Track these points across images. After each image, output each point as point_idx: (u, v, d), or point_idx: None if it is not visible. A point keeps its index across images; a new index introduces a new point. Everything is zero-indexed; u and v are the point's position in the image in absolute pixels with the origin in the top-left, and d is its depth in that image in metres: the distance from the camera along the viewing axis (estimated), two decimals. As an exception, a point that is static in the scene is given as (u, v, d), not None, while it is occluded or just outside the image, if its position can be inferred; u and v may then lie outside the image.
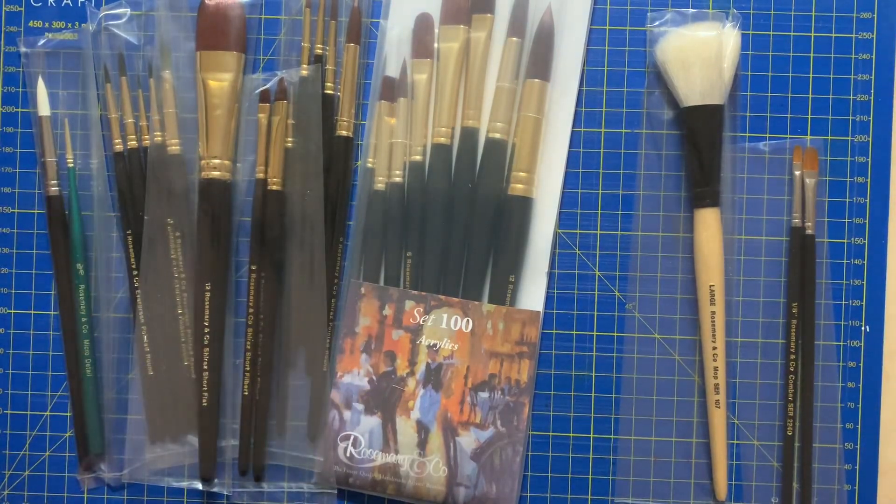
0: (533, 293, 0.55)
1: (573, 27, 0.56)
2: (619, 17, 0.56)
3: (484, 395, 0.54)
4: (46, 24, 0.57)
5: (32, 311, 0.57)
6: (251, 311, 0.55)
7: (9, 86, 0.57)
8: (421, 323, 0.55)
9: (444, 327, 0.55)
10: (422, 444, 0.54)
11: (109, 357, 0.56)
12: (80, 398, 0.56)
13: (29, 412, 0.57)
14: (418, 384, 0.55)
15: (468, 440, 0.54)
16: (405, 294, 0.55)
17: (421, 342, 0.55)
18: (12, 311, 0.57)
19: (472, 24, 0.56)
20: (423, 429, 0.54)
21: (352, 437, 0.55)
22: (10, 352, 0.57)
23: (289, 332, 0.55)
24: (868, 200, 0.56)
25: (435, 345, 0.55)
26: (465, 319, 0.55)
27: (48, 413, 0.57)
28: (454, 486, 0.54)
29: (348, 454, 0.54)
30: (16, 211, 0.57)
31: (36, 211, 0.57)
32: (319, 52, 0.56)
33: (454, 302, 0.55)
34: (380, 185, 0.56)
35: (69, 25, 0.57)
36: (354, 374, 0.55)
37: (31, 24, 0.57)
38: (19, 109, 0.57)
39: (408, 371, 0.55)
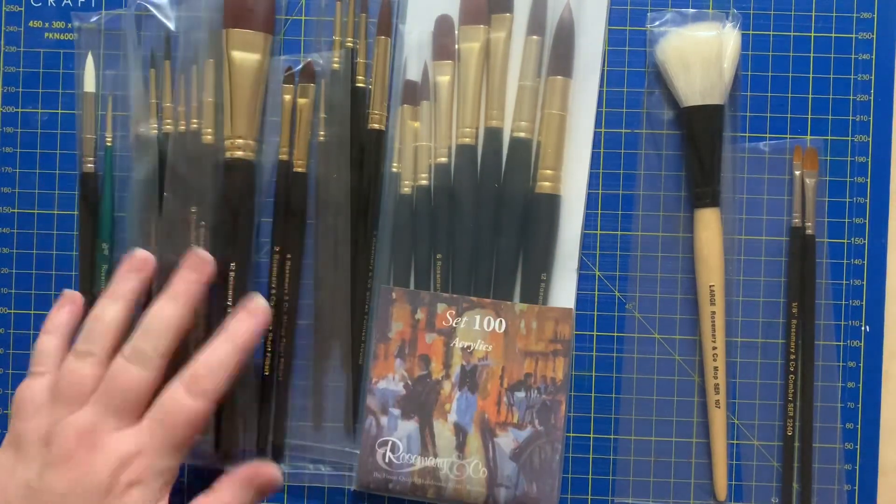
0: (564, 290, 0.55)
1: (592, 22, 0.56)
2: (619, 17, 0.56)
3: (520, 394, 0.54)
4: (46, 24, 0.57)
5: (32, 312, 0.57)
6: (273, 292, 0.55)
7: (9, 86, 0.57)
8: (454, 325, 0.55)
9: (478, 329, 0.55)
10: (460, 447, 0.54)
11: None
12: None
13: (29, 412, 0.57)
14: (454, 387, 0.54)
15: (506, 440, 0.54)
16: (437, 297, 0.55)
17: (455, 344, 0.55)
18: (12, 312, 0.57)
19: (491, 24, 0.56)
20: (460, 431, 0.54)
21: (390, 443, 0.54)
22: (10, 352, 0.57)
23: (320, 325, 0.55)
24: (868, 200, 0.56)
25: (469, 346, 0.55)
26: (499, 320, 0.55)
27: (48, 413, 0.57)
28: (495, 487, 0.54)
29: (387, 460, 0.54)
30: (16, 211, 0.57)
31: (36, 211, 0.57)
32: (350, 45, 0.56)
33: (486, 303, 0.55)
34: (406, 189, 0.56)
35: (69, 25, 0.57)
36: (389, 380, 0.55)
37: (31, 24, 0.57)
38: (19, 109, 0.57)
39: (443, 374, 0.55)
